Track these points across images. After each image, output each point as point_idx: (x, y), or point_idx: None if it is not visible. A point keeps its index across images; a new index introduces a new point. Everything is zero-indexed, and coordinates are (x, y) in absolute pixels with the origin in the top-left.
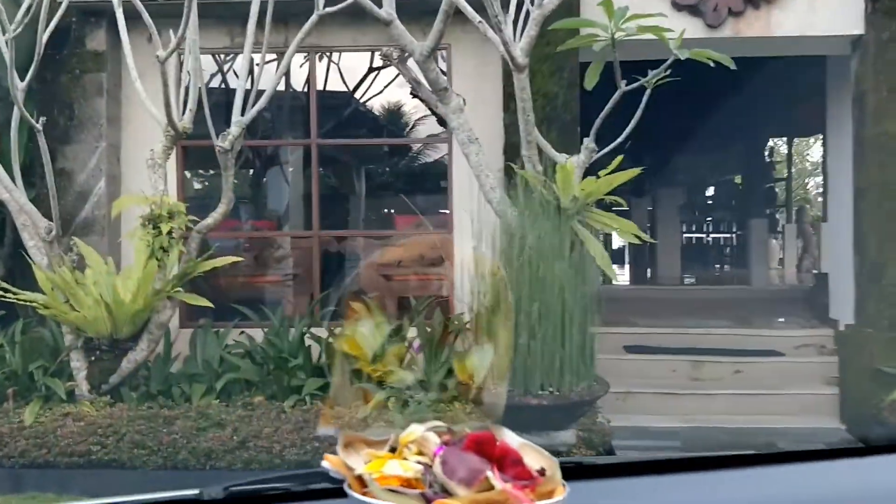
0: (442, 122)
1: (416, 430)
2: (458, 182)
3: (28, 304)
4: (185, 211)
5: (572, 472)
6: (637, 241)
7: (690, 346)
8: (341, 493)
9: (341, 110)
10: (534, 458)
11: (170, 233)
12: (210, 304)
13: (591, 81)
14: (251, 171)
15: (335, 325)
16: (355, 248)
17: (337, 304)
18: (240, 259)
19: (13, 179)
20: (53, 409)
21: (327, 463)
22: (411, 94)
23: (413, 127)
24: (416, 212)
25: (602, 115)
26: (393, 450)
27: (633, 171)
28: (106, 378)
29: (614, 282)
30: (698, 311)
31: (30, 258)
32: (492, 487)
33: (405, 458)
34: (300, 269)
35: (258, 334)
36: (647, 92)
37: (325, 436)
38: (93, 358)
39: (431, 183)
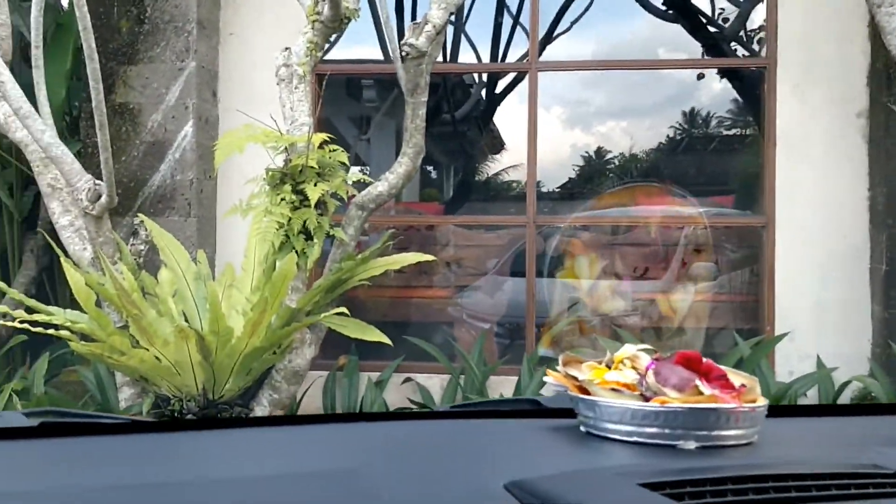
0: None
1: (628, 349)
2: (788, 133)
3: (52, 331)
4: (347, 163)
5: None
6: None
7: None
8: (547, 414)
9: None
10: (735, 376)
11: (319, 205)
12: (388, 341)
13: None
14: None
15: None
16: (593, 245)
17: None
18: (431, 258)
19: (35, 104)
20: None
21: (549, 377)
22: None
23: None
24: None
25: None
26: (608, 366)
27: None
28: None
29: None
30: None
31: (62, 249)
32: (701, 394)
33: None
34: (496, 279)
35: (432, 382)
36: None
37: (545, 357)
38: None
39: (726, 142)
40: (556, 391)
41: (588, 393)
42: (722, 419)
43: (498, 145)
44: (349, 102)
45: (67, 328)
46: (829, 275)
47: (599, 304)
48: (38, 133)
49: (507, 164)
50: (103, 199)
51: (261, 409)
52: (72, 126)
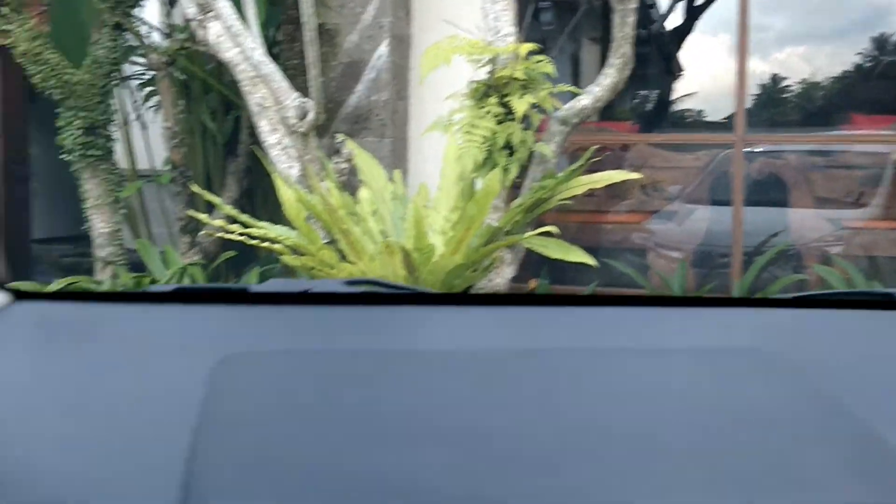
0: None
1: None
2: None
3: (265, 244)
4: (553, 73)
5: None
6: None
7: None
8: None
9: None
10: None
11: (525, 119)
12: (593, 261)
13: None
14: (576, 37)
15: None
16: (798, 169)
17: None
18: (637, 176)
19: (243, 18)
20: None
21: None
22: None
23: None
24: None
25: None
26: None
27: None
28: None
29: None
30: None
31: (272, 165)
32: None
33: None
34: (692, 204)
35: None
36: None
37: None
38: None
39: None
40: None
41: None
42: None
43: (693, 65)
44: (529, 26)
45: (280, 242)
46: None
47: None
48: (249, 51)
49: (704, 84)
50: (310, 115)
51: None
52: (269, 51)
